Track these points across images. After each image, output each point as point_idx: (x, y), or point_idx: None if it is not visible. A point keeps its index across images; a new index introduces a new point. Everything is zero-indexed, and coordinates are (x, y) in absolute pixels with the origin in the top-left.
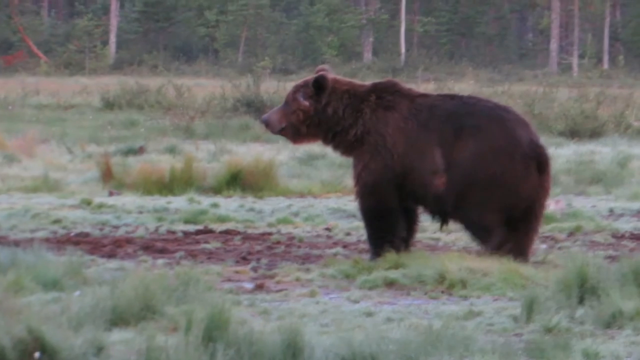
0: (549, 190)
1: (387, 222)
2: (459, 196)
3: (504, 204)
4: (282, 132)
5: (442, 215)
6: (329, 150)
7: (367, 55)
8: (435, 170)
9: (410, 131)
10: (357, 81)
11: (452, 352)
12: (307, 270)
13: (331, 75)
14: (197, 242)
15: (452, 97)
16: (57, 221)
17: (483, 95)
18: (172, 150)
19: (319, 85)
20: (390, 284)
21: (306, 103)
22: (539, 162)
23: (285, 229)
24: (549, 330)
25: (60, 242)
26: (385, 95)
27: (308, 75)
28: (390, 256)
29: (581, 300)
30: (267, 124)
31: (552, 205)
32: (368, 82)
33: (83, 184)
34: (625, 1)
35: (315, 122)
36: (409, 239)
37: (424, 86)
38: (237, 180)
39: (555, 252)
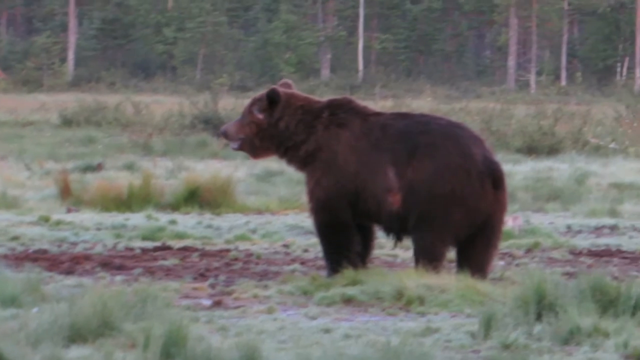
0: (505, 206)
1: (342, 238)
2: (416, 215)
3: (462, 222)
4: (241, 147)
5: (397, 233)
6: (286, 167)
7: (325, 72)
8: (389, 188)
9: (362, 149)
10: (314, 97)
11: None
12: (265, 286)
13: (288, 89)
14: (155, 259)
15: (405, 115)
16: (15, 238)
17: (441, 112)
18: (130, 167)
19: (271, 99)
20: (347, 300)
21: (260, 116)
22: (494, 178)
23: (243, 245)
24: (506, 346)
25: (18, 259)
26: (339, 112)
27: None
28: (348, 273)
29: (539, 317)
30: (226, 135)
31: (510, 221)
32: (325, 98)
33: (41, 201)
34: (582, 18)
35: (268, 135)
36: (365, 256)
37: (382, 103)
38: (195, 197)
39: (513, 269)
